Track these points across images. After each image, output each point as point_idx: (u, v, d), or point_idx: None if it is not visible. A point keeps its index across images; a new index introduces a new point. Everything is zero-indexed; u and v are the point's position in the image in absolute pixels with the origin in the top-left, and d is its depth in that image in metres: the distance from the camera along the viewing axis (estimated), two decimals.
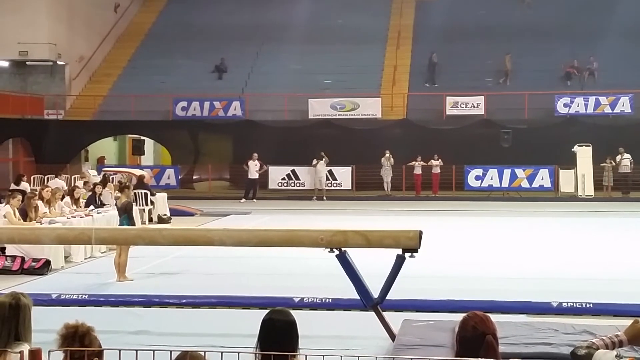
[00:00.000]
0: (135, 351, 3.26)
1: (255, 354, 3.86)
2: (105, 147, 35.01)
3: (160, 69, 34.87)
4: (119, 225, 12.43)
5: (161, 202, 21.46)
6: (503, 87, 32.87)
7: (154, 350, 3.31)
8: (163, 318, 9.75)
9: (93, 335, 3.92)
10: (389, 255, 8.13)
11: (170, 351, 3.45)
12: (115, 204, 13.77)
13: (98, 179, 21.00)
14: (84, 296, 10.61)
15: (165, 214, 21.24)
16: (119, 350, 3.25)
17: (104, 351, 3.80)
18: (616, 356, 3.43)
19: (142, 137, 33.32)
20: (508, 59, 33.25)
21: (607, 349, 3.55)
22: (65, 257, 13.99)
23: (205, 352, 3.45)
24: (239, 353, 3.39)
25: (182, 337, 8.51)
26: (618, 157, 28.34)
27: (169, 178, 31.12)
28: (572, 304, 9.89)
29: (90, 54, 35.95)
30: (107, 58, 37.27)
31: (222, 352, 3.26)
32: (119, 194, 13.03)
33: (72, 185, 20.96)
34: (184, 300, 10.42)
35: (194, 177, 33.67)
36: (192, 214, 23.09)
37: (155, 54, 36.00)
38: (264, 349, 3.84)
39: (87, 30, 35.67)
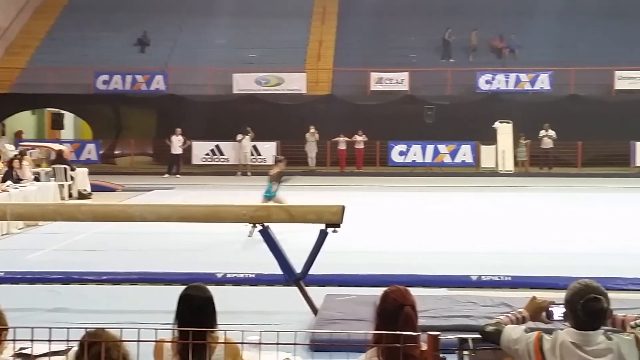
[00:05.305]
0: (48, 329, 3.17)
1: (173, 330, 3.82)
2: (24, 121, 34.08)
3: (81, 41, 33.98)
4: (266, 193, 13.99)
5: (81, 178, 21.03)
6: (471, 64, 32.66)
7: (68, 328, 3.23)
8: (82, 295, 9.57)
9: None
10: (313, 231, 8.14)
11: (86, 328, 3.37)
12: (268, 174, 14.27)
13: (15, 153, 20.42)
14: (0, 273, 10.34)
15: (85, 190, 20.84)
16: (32, 328, 3.16)
17: (17, 329, 3.69)
18: (525, 330, 3.53)
19: (62, 111, 32.56)
20: (474, 34, 33.40)
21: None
22: None
23: (121, 329, 3.38)
24: (156, 330, 3.34)
25: (101, 315, 8.36)
26: (542, 132, 28.94)
27: (89, 153, 30.57)
28: (490, 278, 10.12)
29: (6, 25, 34.80)
30: (25, 29, 36.11)
31: (139, 329, 3.19)
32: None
33: None
34: (104, 277, 10.25)
35: (116, 152, 33.10)
36: (113, 190, 22.72)
37: (76, 26, 35.01)
38: (182, 325, 3.81)
39: (2, 0, 34.50)
